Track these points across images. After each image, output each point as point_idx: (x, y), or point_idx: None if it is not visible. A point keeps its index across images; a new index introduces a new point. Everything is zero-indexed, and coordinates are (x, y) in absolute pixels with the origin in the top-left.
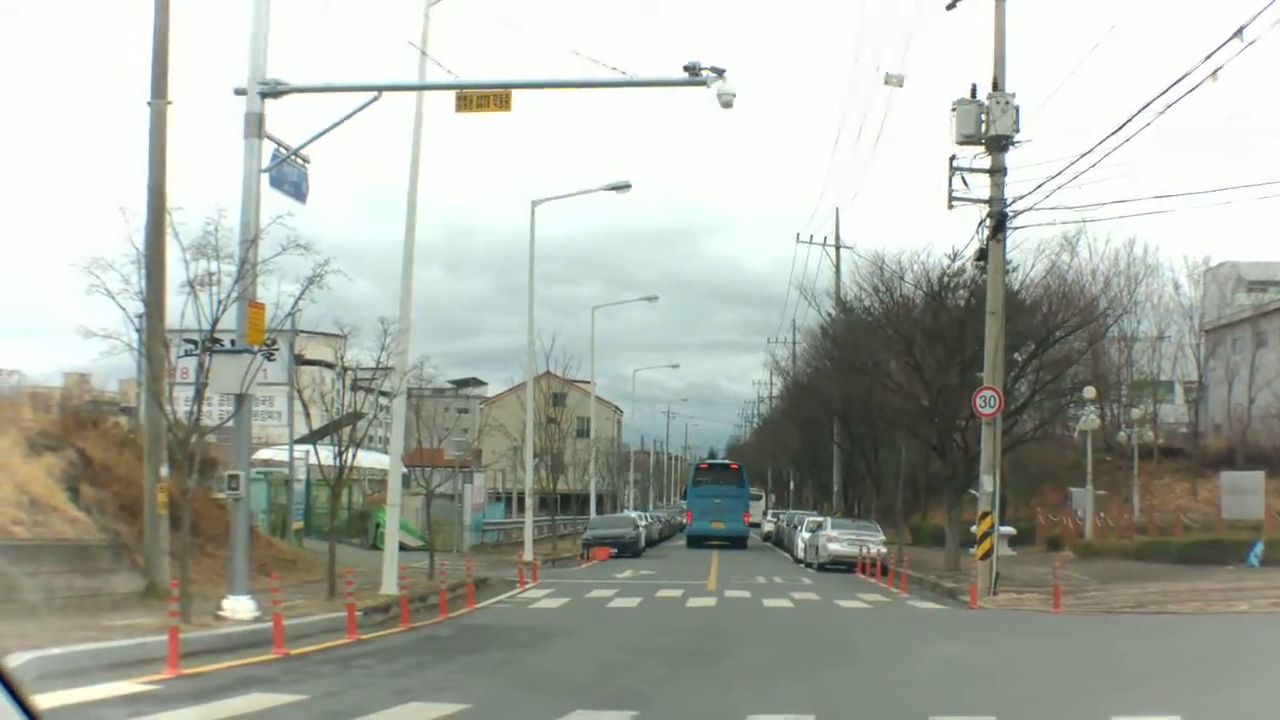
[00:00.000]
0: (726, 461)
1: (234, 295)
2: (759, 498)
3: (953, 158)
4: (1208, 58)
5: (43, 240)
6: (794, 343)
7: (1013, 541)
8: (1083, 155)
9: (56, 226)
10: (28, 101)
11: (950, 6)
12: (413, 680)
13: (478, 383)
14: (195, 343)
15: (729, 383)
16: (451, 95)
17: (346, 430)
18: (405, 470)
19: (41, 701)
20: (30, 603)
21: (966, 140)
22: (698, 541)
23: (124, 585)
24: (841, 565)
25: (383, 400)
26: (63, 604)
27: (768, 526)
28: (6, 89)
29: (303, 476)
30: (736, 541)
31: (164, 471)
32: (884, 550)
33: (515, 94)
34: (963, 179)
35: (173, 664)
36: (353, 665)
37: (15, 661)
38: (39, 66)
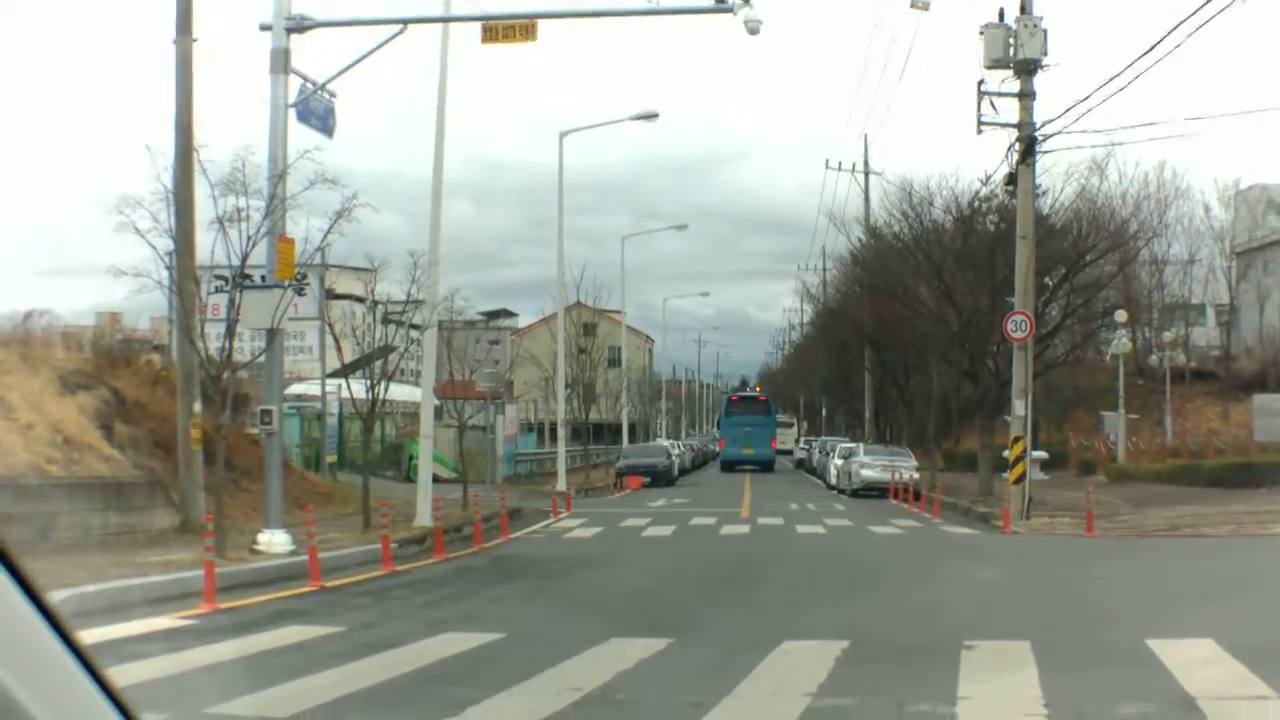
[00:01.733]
0: (755, 394)
1: (263, 231)
2: (790, 425)
3: (981, 82)
4: None
5: (71, 180)
6: (824, 269)
7: (1045, 466)
8: (1112, 78)
9: (85, 166)
10: (53, 41)
11: None
12: (448, 611)
13: (508, 314)
14: (226, 279)
15: (759, 310)
16: (477, 27)
17: (378, 364)
18: (437, 402)
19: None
20: (66, 540)
21: (995, 64)
22: (730, 466)
23: (159, 521)
24: (874, 491)
25: (414, 333)
26: (99, 541)
27: (800, 454)
28: (33, 30)
29: (335, 410)
30: (765, 465)
31: (197, 408)
32: (916, 476)
33: (541, 24)
34: (991, 103)
35: (209, 598)
36: (388, 597)
37: (54, 599)
38: (65, 6)
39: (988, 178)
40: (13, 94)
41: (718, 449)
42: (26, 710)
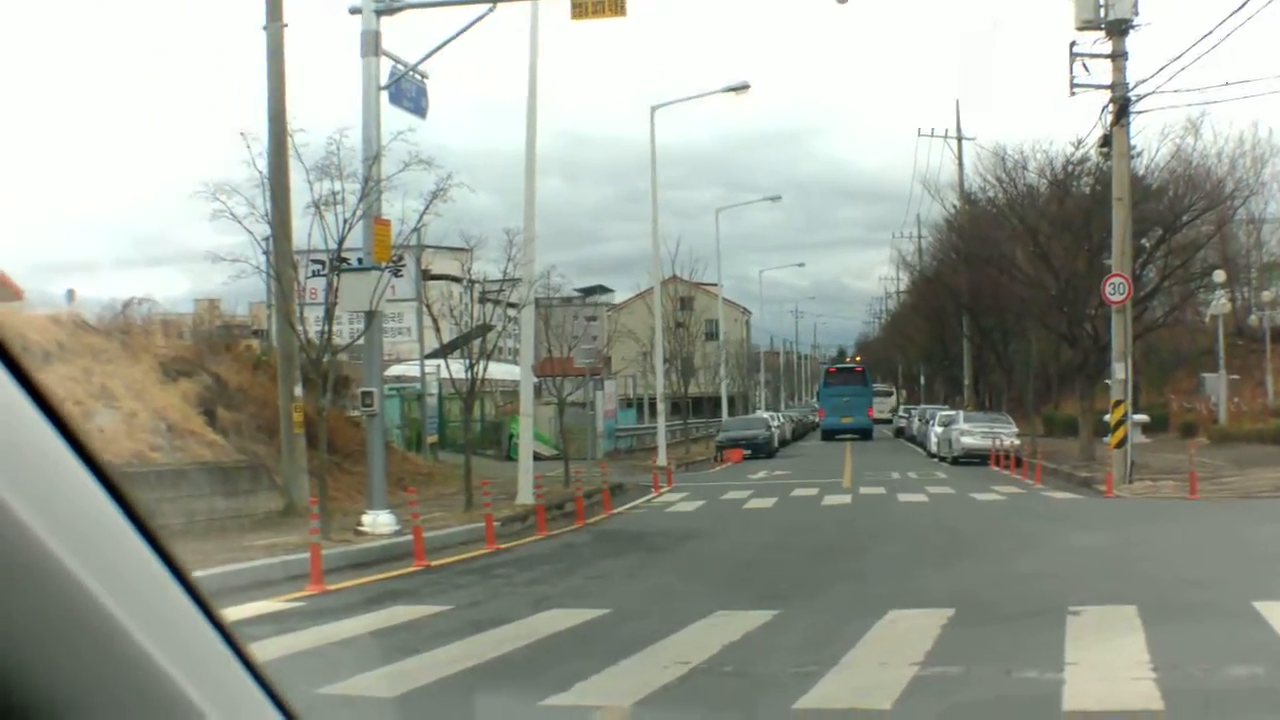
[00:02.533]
0: (852, 365)
1: (359, 213)
2: (889, 394)
3: (1072, 44)
4: None
5: (166, 169)
6: (919, 237)
7: (1146, 429)
8: (1203, 36)
9: (180, 155)
10: (146, 31)
11: None
12: (553, 587)
13: (604, 290)
14: (323, 263)
15: (855, 279)
16: (567, 2)
17: (476, 343)
18: (536, 380)
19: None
20: (172, 527)
21: (1086, 25)
22: (830, 435)
23: (264, 505)
24: (975, 458)
25: (511, 311)
26: (204, 527)
27: (899, 422)
28: (127, 21)
29: (435, 391)
30: (863, 433)
31: (298, 391)
32: (1017, 442)
33: None
34: (1084, 65)
35: (316, 580)
36: (493, 575)
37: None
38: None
39: (1079, 141)
40: (107, 85)
41: (817, 419)
42: (172, 678)
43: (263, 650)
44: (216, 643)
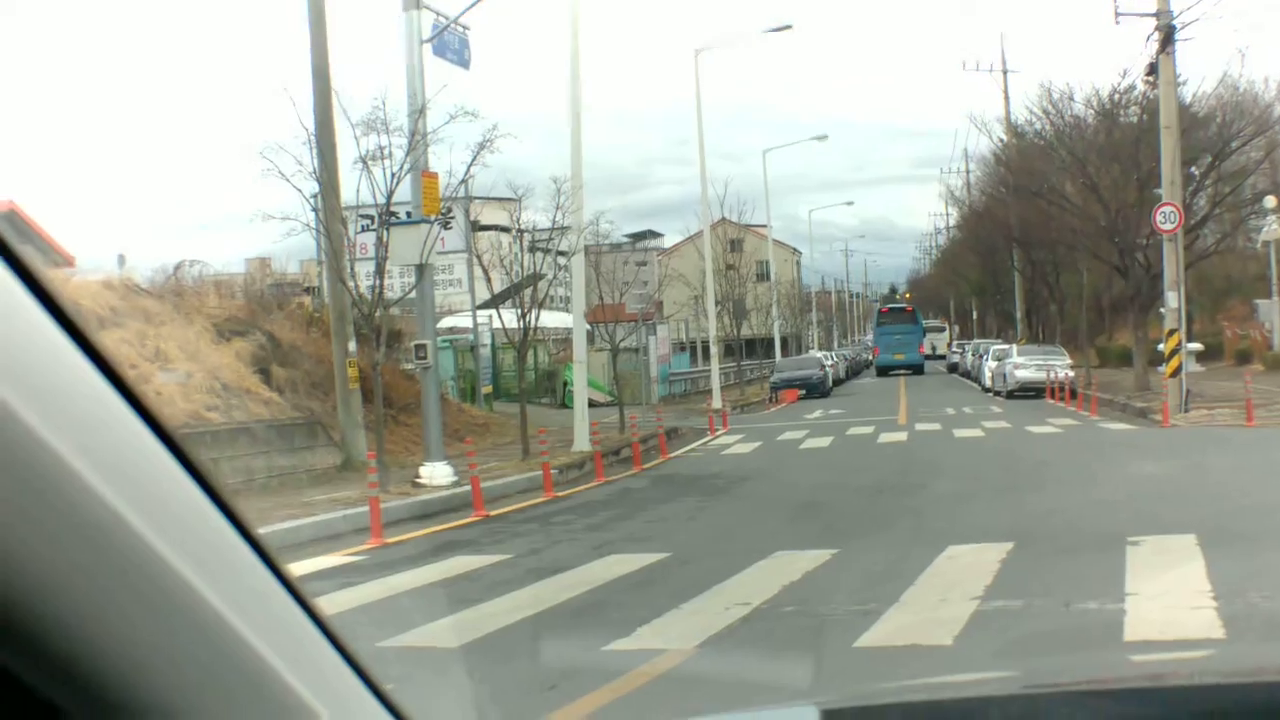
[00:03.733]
0: (902, 305)
1: (406, 167)
2: (941, 330)
3: None
4: None
5: (212, 131)
6: (968, 172)
7: (1200, 357)
8: None
9: (225, 116)
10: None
11: None
12: (612, 533)
13: (654, 234)
14: (372, 217)
15: (904, 217)
16: None
17: (528, 292)
18: (589, 327)
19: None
20: (231, 485)
21: None
22: (884, 370)
23: (322, 461)
24: (1030, 391)
25: (561, 260)
26: (263, 484)
27: (954, 358)
28: None
29: (488, 341)
30: (916, 369)
31: (352, 347)
32: (1071, 374)
33: None
34: None
35: (376, 533)
36: (552, 522)
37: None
38: None
39: (1124, 71)
40: (152, 48)
41: (871, 357)
42: (243, 637)
43: (328, 603)
44: (319, 639)
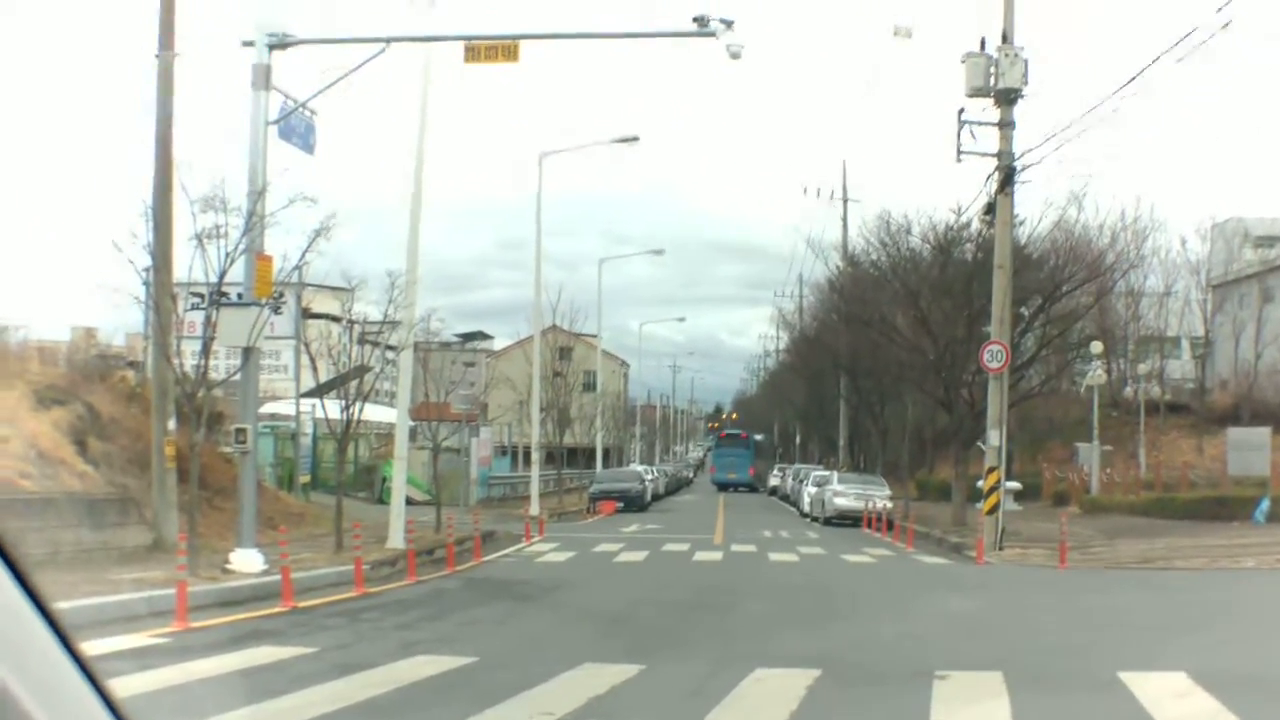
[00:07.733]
0: (738, 432)
1: (241, 248)
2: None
3: (961, 111)
4: (1219, 10)
5: (47, 195)
6: (801, 296)
7: (1018, 497)
8: (1091, 109)
9: (62, 183)
10: (30, 52)
11: None
12: (421, 633)
13: (484, 336)
14: (203, 296)
15: (732, 336)
16: (460, 47)
17: (353, 384)
18: (412, 424)
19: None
20: (38, 556)
21: (976, 93)
22: (721, 487)
23: (132, 539)
24: (847, 519)
25: (389, 354)
26: (70, 558)
27: (774, 480)
28: (15, 39)
29: (309, 430)
30: (749, 487)
31: (171, 425)
32: (890, 505)
33: (523, 45)
34: (971, 132)
35: (181, 617)
36: (361, 618)
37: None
38: (42, 17)
39: (962, 208)
40: None
41: (691, 476)
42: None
43: (123, 686)
44: (76, 677)
